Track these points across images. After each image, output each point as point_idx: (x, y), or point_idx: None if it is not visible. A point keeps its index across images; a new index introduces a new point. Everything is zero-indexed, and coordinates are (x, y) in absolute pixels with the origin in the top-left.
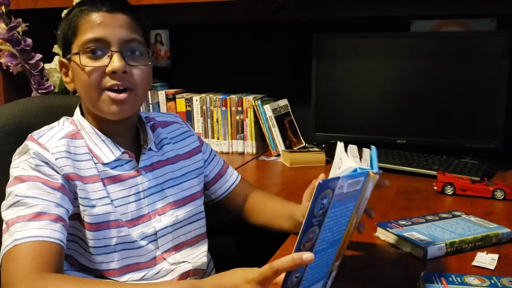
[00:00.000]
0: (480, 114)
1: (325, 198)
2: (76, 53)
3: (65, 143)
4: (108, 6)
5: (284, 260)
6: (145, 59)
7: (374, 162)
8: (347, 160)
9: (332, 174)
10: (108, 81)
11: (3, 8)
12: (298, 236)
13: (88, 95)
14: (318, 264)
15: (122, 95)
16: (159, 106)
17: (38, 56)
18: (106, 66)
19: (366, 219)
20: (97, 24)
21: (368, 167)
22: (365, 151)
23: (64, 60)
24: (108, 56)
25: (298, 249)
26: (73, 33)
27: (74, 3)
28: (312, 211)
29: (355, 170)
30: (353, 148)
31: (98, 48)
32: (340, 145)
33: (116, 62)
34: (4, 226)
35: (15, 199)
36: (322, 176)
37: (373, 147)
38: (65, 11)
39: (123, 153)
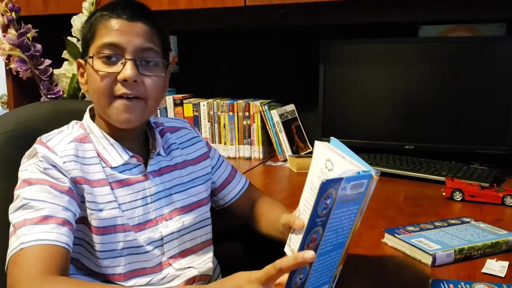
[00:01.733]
0: (490, 119)
1: (329, 198)
2: (91, 57)
3: (74, 147)
4: (128, 14)
5: (287, 259)
6: (160, 69)
7: (361, 161)
8: (341, 163)
9: (316, 177)
10: (120, 89)
11: (13, 14)
12: (302, 236)
13: (99, 100)
14: (323, 267)
15: (132, 104)
16: (166, 111)
17: (48, 61)
18: (119, 72)
19: (374, 225)
20: (115, 30)
21: (361, 168)
22: (328, 146)
23: (81, 61)
24: (122, 63)
25: (302, 249)
26: (91, 36)
27: (83, 10)
28: (315, 211)
29: (358, 173)
30: (331, 147)
31: (112, 54)
32: (319, 145)
33: (128, 70)
34: (11, 229)
35: (23, 202)
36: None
37: (332, 138)
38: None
39: (131, 157)
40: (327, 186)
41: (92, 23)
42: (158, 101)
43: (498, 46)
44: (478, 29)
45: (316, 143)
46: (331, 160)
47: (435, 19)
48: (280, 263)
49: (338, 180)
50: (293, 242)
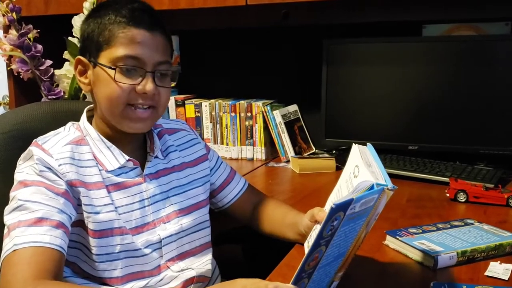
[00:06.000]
0: (495, 119)
1: (336, 220)
2: (110, 67)
3: (70, 150)
4: (147, 23)
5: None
6: (169, 79)
7: (384, 172)
8: (364, 172)
9: (344, 181)
10: (136, 99)
11: (14, 14)
12: (304, 256)
13: (112, 108)
14: (321, 276)
15: (147, 114)
16: (168, 111)
17: (49, 62)
18: (137, 84)
19: (375, 227)
20: (137, 42)
21: (379, 180)
22: (363, 150)
23: (84, 59)
24: (141, 76)
25: (302, 268)
26: (106, 42)
27: (84, 10)
28: (321, 233)
29: (372, 187)
30: (365, 152)
31: (134, 67)
32: (356, 149)
33: (148, 84)
34: (5, 230)
35: (18, 203)
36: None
37: (369, 145)
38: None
39: (127, 160)
40: (337, 210)
41: (106, 26)
42: (166, 107)
43: (503, 45)
44: (482, 28)
45: (353, 146)
46: (359, 166)
47: (439, 18)
48: (276, 287)
49: (347, 202)
50: (312, 239)
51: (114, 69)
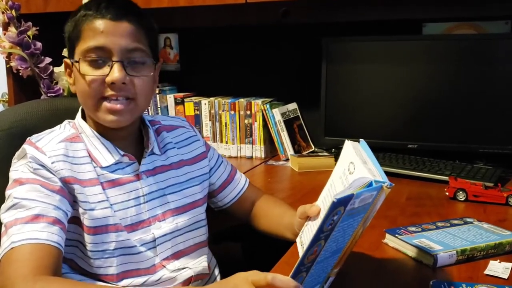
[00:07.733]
0: (495, 118)
1: (336, 215)
2: (77, 61)
3: (63, 147)
4: (112, 13)
5: (284, 280)
6: (148, 68)
7: (380, 169)
8: (361, 168)
9: (337, 177)
10: (107, 91)
11: (13, 12)
12: (304, 250)
13: (86, 102)
14: (318, 271)
15: (119, 106)
16: (167, 109)
17: (48, 59)
18: (106, 75)
19: (375, 225)
20: (100, 32)
21: (376, 177)
22: (356, 147)
23: (68, 61)
24: (109, 66)
25: (302, 262)
26: (77, 37)
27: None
28: (321, 227)
29: (370, 183)
30: (359, 149)
31: (99, 57)
32: (349, 145)
33: (116, 73)
34: (3, 229)
35: (14, 201)
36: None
37: (362, 141)
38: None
39: (123, 156)
40: (338, 205)
41: (76, 23)
42: (149, 98)
43: (503, 44)
44: (482, 27)
45: (346, 142)
46: (354, 163)
47: (439, 16)
48: (278, 280)
49: (348, 197)
50: (305, 235)
51: (78, 61)
